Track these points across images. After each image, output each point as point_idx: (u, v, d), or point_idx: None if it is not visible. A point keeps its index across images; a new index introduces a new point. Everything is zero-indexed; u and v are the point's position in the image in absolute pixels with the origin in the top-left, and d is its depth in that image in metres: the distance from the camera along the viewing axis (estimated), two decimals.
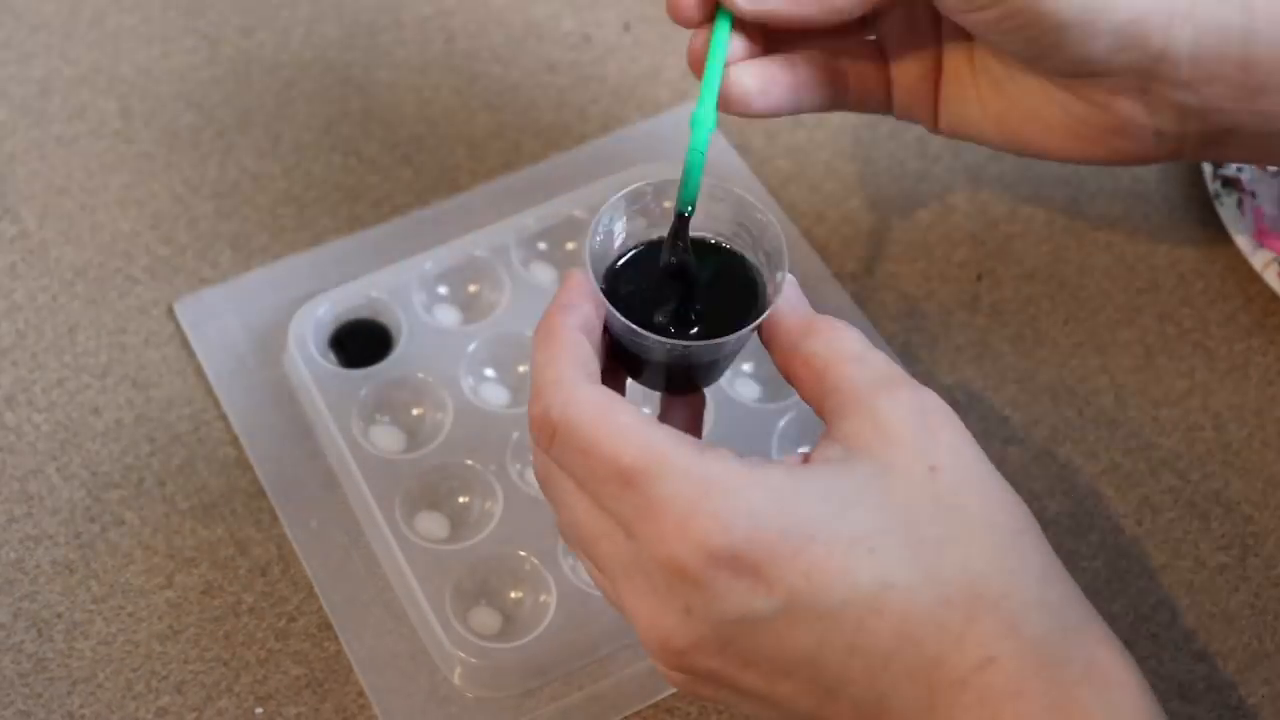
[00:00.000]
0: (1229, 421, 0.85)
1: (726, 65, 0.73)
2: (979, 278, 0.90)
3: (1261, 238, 0.88)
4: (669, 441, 0.63)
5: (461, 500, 0.82)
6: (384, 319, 0.87)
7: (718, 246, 0.71)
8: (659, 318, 0.68)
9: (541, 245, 0.89)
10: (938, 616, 0.61)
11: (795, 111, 0.76)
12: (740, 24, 0.73)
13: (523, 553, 0.79)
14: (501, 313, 0.87)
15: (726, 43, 0.72)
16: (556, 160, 0.94)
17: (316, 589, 0.80)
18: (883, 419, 0.64)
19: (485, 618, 0.78)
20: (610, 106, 0.96)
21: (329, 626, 0.79)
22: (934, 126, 0.79)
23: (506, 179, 0.93)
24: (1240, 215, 0.88)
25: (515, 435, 0.82)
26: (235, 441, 0.84)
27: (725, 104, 0.73)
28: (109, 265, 0.90)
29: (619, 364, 0.70)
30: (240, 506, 0.83)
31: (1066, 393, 0.86)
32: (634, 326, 0.67)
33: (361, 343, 0.86)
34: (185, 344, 0.87)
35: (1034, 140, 0.77)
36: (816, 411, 0.67)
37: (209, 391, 0.86)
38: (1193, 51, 0.72)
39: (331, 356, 0.86)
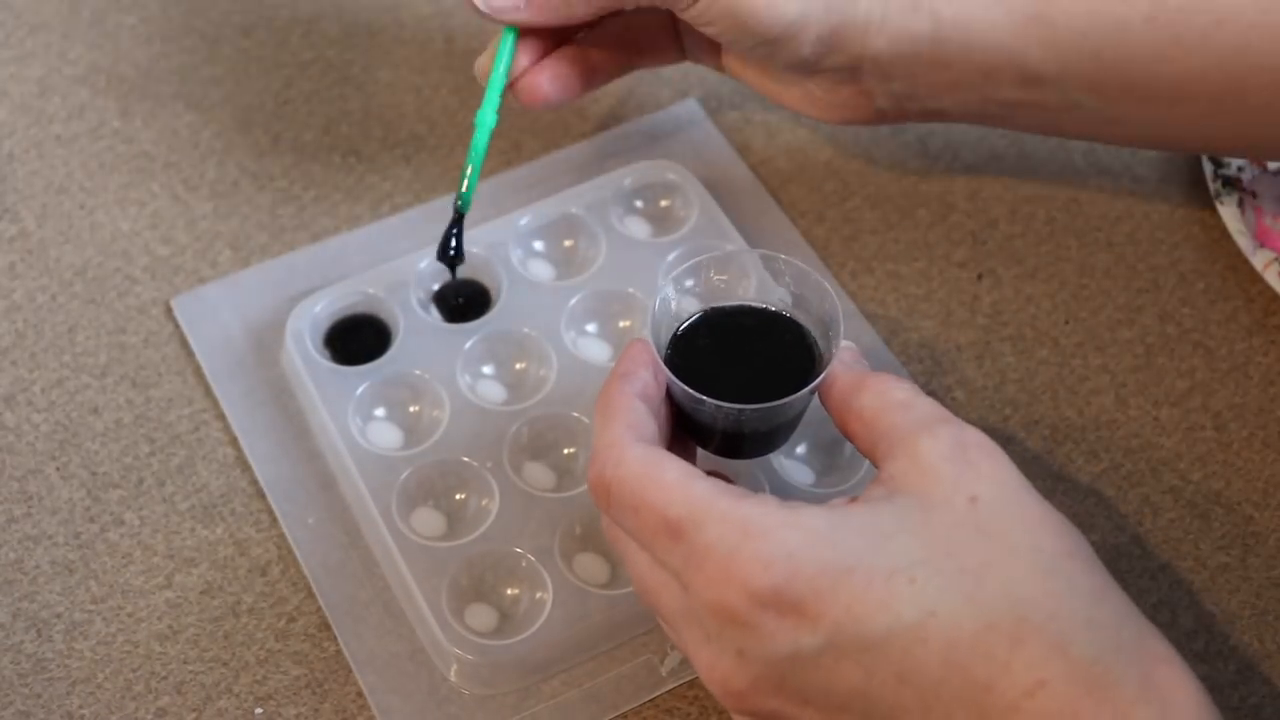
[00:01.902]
0: (1229, 421, 0.85)
1: (526, 73, 0.83)
2: (979, 278, 0.90)
3: (1262, 237, 0.88)
4: (711, 491, 0.65)
5: (458, 497, 0.82)
6: (381, 316, 0.86)
7: (778, 315, 0.74)
8: (719, 384, 0.70)
9: (538, 243, 0.89)
10: (983, 642, 0.61)
11: (590, 90, 0.85)
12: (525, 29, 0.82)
13: (519, 550, 0.79)
14: (498, 310, 0.87)
15: (511, 49, 0.82)
16: (554, 157, 0.94)
17: (315, 588, 0.80)
18: (922, 456, 0.66)
19: (481, 615, 0.78)
20: (610, 106, 0.96)
21: (328, 626, 0.79)
22: (720, 68, 0.87)
23: (504, 176, 0.93)
24: (1241, 215, 0.88)
25: (512, 432, 0.82)
26: (234, 441, 0.84)
27: (527, 101, 0.83)
28: (108, 265, 0.90)
29: (686, 433, 0.73)
30: (240, 506, 0.83)
31: (1066, 393, 0.86)
32: (693, 392, 0.70)
33: (359, 340, 0.86)
34: (184, 344, 0.87)
35: (785, 101, 0.86)
36: (871, 462, 0.69)
37: (208, 391, 0.86)
38: (890, 54, 0.80)
39: (328, 353, 0.85)
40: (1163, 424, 0.85)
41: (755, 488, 0.79)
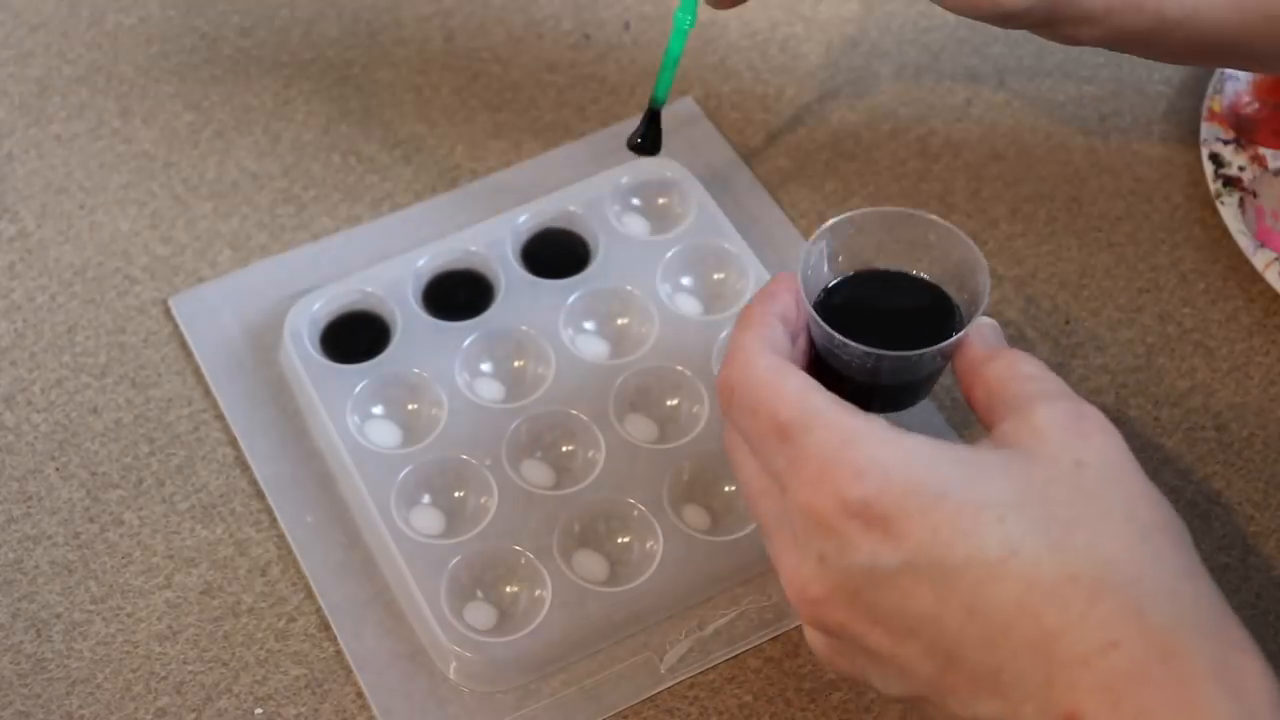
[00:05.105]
0: (1230, 421, 0.85)
1: None
2: None
3: (1263, 237, 0.88)
4: (825, 400, 0.66)
5: (457, 495, 0.81)
6: (379, 314, 0.86)
7: (925, 281, 0.75)
8: (859, 334, 0.71)
9: None
10: (1060, 591, 0.61)
11: None
12: None
13: (518, 548, 0.79)
14: (496, 308, 0.87)
15: None
16: (552, 155, 0.94)
17: (314, 587, 0.80)
18: (1036, 420, 0.66)
19: (480, 612, 0.78)
20: (610, 106, 0.96)
21: (328, 626, 0.79)
22: None
23: (503, 174, 0.93)
24: (1241, 215, 0.88)
25: (510, 430, 0.82)
26: (234, 441, 0.84)
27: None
28: (108, 265, 0.90)
29: (819, 380, 0.73)
30: (239, 506, 0.83)
31: None
32: (833, 332, 0.71)
33: (357, 338, 0.86)
34: (184, 344, 0.87)
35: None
36: (986, 426, 0.69)
37: (208, 391, 0.86)
38: (1106, 39, 0.79)
39: (327, 352, 0.85)
40: (1163, 424, 0.85)
41: None
